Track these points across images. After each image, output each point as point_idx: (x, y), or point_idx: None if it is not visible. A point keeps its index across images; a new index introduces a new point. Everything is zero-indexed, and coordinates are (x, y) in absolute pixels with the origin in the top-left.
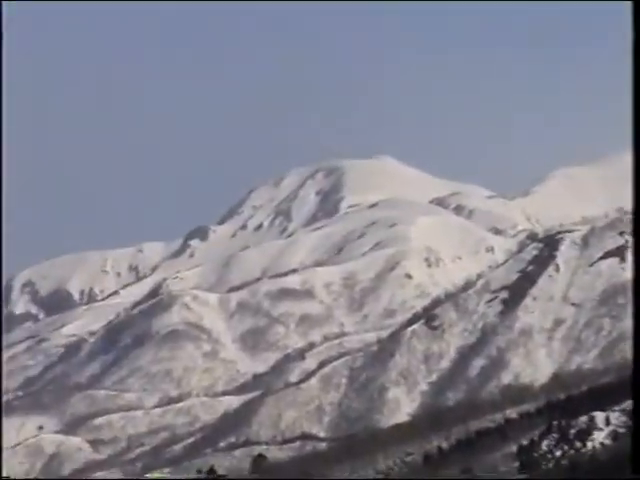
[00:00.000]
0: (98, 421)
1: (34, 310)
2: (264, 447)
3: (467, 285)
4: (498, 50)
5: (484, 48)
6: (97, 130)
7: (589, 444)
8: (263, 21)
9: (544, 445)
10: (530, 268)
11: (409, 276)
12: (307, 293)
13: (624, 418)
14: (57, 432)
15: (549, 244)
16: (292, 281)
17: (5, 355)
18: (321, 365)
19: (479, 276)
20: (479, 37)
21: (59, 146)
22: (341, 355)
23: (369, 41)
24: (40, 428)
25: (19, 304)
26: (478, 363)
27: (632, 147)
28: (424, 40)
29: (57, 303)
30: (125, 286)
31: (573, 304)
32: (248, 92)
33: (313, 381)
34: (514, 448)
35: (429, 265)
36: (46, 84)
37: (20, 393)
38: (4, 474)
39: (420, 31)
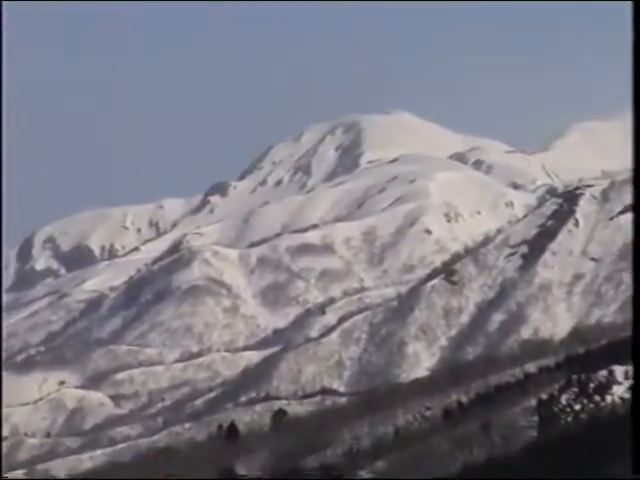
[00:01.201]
0: (119, 376)
1: (55, 266)
2: (284, 402)
3: (486, 240)
4: None
5: None
6: (119, 84)
7: (608, 398)
8: None
9: (563, 399)
10: (549, 223)
11: (428, 231)
12: (327, 248)
13: None
14: (79, 387)
15: (568, 199)
16: (312, 236)
17: (27, 311)
18: (341, 320)
19: (498, 231)
20: None
21: (80, 101)
22: (361, 310)
23: None
24: (62, 383)
25: (40, 260)
26: (497, 318)
27: (632, 144)
28: None
29: (78, 259)
30: (145, 242)
31: (592, 259)
32: (267, 48)
33: (333, 336)
34: (533, 402)
35: (448, 220)
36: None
37: (42, 348)
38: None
39: None
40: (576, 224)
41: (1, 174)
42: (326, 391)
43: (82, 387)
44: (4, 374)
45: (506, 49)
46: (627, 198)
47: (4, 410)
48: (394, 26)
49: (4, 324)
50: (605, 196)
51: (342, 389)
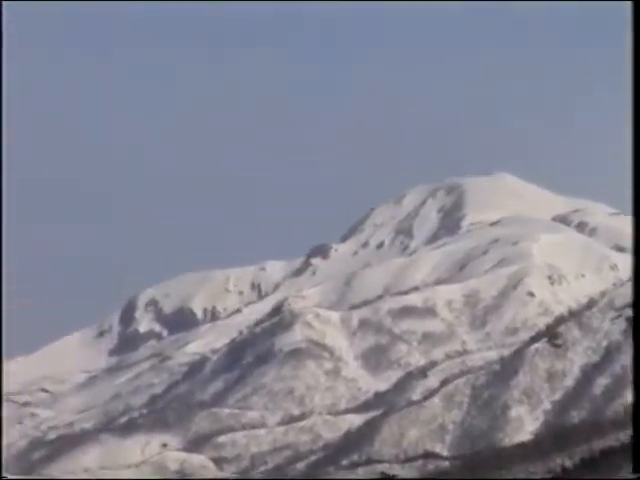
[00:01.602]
0: (222, 439)
1: (158, 328)
2: (387, 465)
3: (591, 303)
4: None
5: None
6: (223, 144)
7: None
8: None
9: None
10: None
11: (532, 294)
12: (429, 311)
13: None
14: (181, 450)
15: None
16: (414, 299)
17: (130, 373)
18: (443, 383)
19: (603, 294)
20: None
21: (179, 169)
22: (463, 373)
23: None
24: (164, 446)
25: (143, 322)
26: (602, 382)
27: (632, 147)
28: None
29: (180, 321)
30: (247, 304)
31: None
32: (373, 111)
33: (435, 399)
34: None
35: (552, 283)
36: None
37: (145, 411)
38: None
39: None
40: None
41: (1, 176)
42: (428, 455)
43: (184, 450)
44: (107, 436)
45: (605, 109)
46: None
47: (107, 472)
48: (500, 88)
49: (109, 386)
50: None
51: (445, 453)
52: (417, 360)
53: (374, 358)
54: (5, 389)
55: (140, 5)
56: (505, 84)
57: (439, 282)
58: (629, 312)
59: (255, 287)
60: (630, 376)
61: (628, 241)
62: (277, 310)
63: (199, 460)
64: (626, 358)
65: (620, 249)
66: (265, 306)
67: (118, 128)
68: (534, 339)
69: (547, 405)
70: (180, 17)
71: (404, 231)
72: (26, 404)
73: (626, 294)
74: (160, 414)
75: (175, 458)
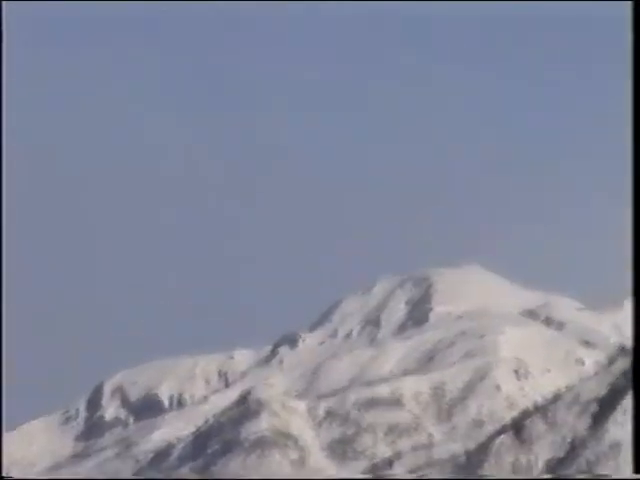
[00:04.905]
0: None
1: (124, 415)
2: None
3: (556, 397)
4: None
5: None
6: (188, 230)
7: None
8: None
9: None
10: (620, 381)
11: (498, 387)
12: (396, 402)
13: None
14: None
15: None
16: (381, 390)
17: (96, 460)
18: (409, 474)
19: (568, 388)
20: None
21: (153, 251)
22: (429, 465)
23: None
24: None
25: (109, 409)
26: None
27: (631, 150)
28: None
29: (146, 408)
30: (214, 392)
31: None
32: (338, 204)
33: None
34: None
35: (518, 377)
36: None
37: None
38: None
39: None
40: None
41: (1, 181)
42: None
43: None
44: None
45: (575, 205)
46: None
47: None
48: (466, 183)
49: (75, 473)
50: None
51: None
52: (383, 451)
53: (340, 448)
54: None
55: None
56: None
57: (406, 373)
58: (594, 407)
59: (222, 375)
60: (595, 472)
61: (595, 336)
62: (243, 398)
63: None
64: (591, 453)
65: (587, 344)
66: (232, 394)
67: None
68: (500, 432)
69: None
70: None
71: (372, 321)
72: None
73: (591, 389)
74: None
75: None
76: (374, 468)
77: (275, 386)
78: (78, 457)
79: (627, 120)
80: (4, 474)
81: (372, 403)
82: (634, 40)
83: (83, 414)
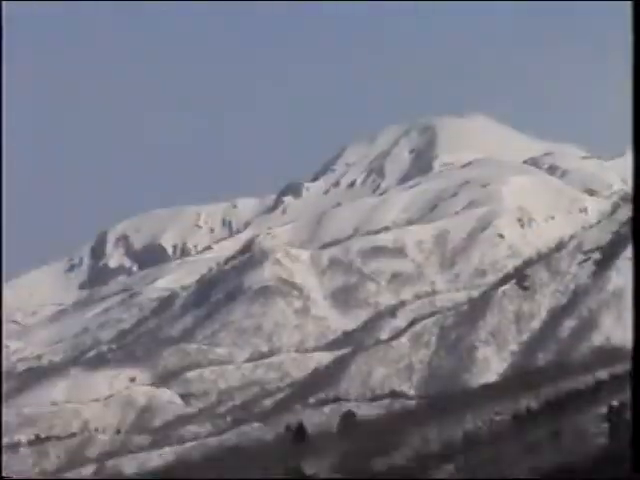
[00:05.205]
0: (189, 375)
1: (128, 263)
2: (353, 404)
3: (559, 246)
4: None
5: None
6: (197, 87)
7: None
8: None
9: None
10: (623, 229)
11: (501, 236)
12: (399, 251)
13: None
14: (149, 385)
15: None
16: (384, 239)
17: (99, 307)
18: (411, 323)
19: (572, 237)
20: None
21: (158, 100)
22: (432, 313)
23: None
24: (132, 380)
25: (113, 257)
26: (569, 324)
27: (632, 148)
28: None
29: (151, 257)
30: (218, 241)
31: None
32: (345, 49)
33: (403, 339)
34: (604, 410)
35: (521, 225)
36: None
37: (113, 346)
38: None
39: None
40: None
41: (1, 174)
42: (395, 394)
43: (152, 385)
44: (76, 370)
45: (583, 51)
46: None
47: (75, 405)
48: (474, 29)
49: (78, 320)
50: None
51: (411, 392)
52: (386, 300)
53: (343, 297)
54: None
55: None
56: (487, 20)
57: (409, 222)
58: (597, 255)
59: (226, 224)
60: (597, 320)
61: (599, 184)
62: (247, 247)
63: (167, 395)
64: (593, 301)
65: (591, 192)
66: (235, 243)
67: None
68: (502, 281)
69: (514, 346)
70: None
71: (376, 170)
72: None
73: (594, 237)
74: (129, 349)
75: (143, 393)
76: (377, 316)
77: (279, 235)
78: (82, 304)
79: (627, 116)
80: (9, 318)
81: (375, 252)
82: (634, 40)
83: (87, 262)
